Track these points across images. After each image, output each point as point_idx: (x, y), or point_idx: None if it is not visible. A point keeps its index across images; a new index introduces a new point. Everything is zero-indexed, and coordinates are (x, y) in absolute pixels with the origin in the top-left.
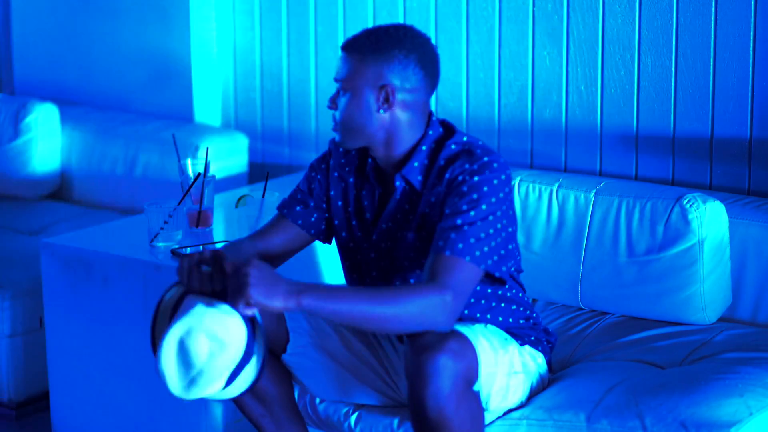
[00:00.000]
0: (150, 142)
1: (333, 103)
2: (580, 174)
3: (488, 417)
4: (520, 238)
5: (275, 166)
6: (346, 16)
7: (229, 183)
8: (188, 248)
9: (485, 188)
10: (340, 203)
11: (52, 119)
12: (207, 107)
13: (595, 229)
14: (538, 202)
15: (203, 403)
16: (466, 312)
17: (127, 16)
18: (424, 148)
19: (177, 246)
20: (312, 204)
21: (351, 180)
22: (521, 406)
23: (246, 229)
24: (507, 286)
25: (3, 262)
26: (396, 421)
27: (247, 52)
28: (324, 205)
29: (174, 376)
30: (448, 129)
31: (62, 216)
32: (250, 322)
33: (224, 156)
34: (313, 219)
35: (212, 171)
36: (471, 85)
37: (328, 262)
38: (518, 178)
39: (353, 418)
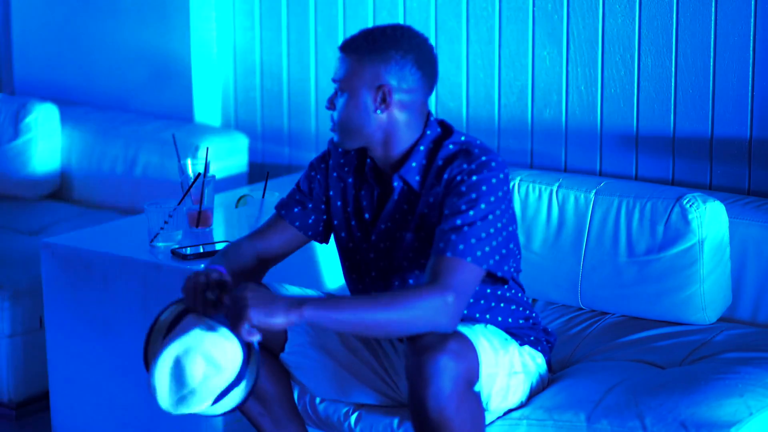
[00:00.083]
0: (150, 142)
1: (331, 103)
2: (580, 174)
3: (488, 417)
4: (520, 238)
5: (275, 166)
6: (346, 16)
7: (229, 183)
8: (188, 248)
9: (484, 187)
10: (339, 203)
11: (52, 119)
12: (207, 107)
13: (595, 229)
14: (538, 202)
15: None
16: (465, 312)
17: (127, 16)
18: (422, 148)
19: (177, 246)
20: (310, 205)
21: (350, 180)
22: (521, 406)
23: (246, 229)
24: (506, 286)
25: (3, 262)
26: (396, 421)
27: (247, 52)
28: (323, 206)
29: (165, 391)
30: (447, 129)
31: (62, 216)
32: (246, 347)
33: (224, 156)
34: (310, 221)
35: (212, 171)
36: (471, 85)
37: (328, 262)
38: (518, 178)
39: (353, 417)
